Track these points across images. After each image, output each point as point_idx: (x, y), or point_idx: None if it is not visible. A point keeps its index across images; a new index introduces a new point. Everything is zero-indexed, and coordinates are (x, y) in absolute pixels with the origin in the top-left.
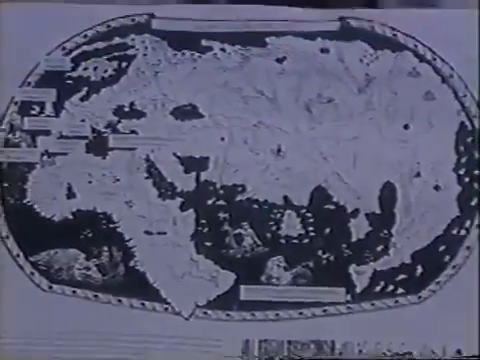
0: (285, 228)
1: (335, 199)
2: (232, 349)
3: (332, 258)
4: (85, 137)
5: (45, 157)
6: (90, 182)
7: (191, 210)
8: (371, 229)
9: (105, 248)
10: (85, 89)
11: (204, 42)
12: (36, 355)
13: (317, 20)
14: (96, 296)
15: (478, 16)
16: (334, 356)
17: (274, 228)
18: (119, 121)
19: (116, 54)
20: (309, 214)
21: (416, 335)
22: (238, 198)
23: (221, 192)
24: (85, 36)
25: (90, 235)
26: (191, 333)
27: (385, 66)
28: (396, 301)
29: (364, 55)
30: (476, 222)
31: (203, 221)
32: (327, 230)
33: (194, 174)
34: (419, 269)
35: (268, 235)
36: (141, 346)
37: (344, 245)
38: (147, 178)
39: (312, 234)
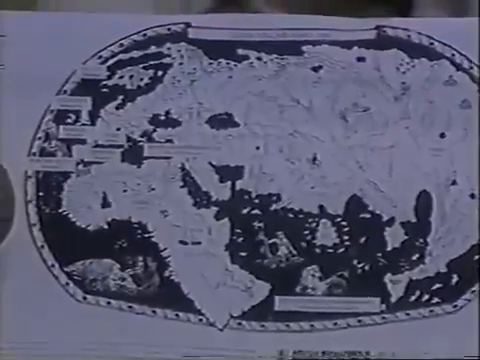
0: (320, 237)
1: (371, 208)
2: None
3: (367, 267)
4: (120, 146)
5: (80, 166)
6: (125, 191)
7: (226, 219)
8: (407, 238)
9: (140, 258)
10: (121, 97)
11: (240, 51)
12: None
13: (353, 29)
14: (130, 307)
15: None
16: None
17: (309, 237)
18: (154, 130)
19: (152, 63)
20: (344, 223)
21: (452, 345)
22: (273, 207)
23: (256, 201)
24: (121, 45)
25: (125, 245)
26: (225, 344)
27: (421, 75)
28: (431, 310)
29: (400, 64)
30: None
31: (238, 231)
32: (362, 239)
33: (229, 183)
34: (454, 278)
35: (303, 244)
36: (175, 357)
37: (379, 254)
38: (182, 187)
39: (347, 243)
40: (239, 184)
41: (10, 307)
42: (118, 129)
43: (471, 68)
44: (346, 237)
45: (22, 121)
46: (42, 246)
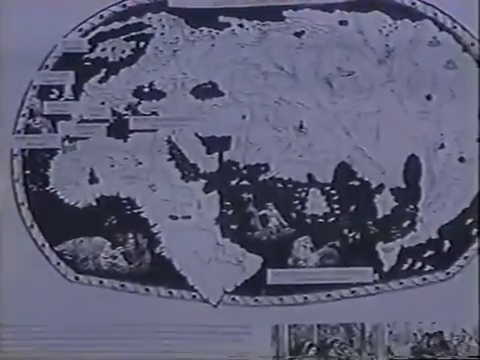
0: (310, 207)
1: (359, 175)
2: (262, 336)
3: (358, 236)
4: (106, 120)
5: (66, 142)
6: (112, 166)
7: (215, 192)
8: (397, 204)
9: (130, 235)
10: (103, 70)
11: (221, 18)
12: (65, 348)
13: None
14: (123, 286)
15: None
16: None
17: (299, 207)
18: (139, 102)
19: (133, 34)
20: (334, 191)
21: (446, 313)
22: (262, 177)
23: (244, 172)
24: (101, 17)
25: (115, 222)
26: (220, 321)
27: (405, 36)
28: (424, 279)
29: (383, 26)
30: None
31: (227, 203)
32: (352, 207)
33: (217, 154)
34: (446, 244)
35: (293, 215)
36: (170, 336)
37: (370, 222)
38: (169, 160)
39: (337, 212)
40: (226, 155)
41: (2, 291)
42: (102, 103)
43: (454, 27)
44: (336, 206)
45: (5, 98)
46: (31, 225)
